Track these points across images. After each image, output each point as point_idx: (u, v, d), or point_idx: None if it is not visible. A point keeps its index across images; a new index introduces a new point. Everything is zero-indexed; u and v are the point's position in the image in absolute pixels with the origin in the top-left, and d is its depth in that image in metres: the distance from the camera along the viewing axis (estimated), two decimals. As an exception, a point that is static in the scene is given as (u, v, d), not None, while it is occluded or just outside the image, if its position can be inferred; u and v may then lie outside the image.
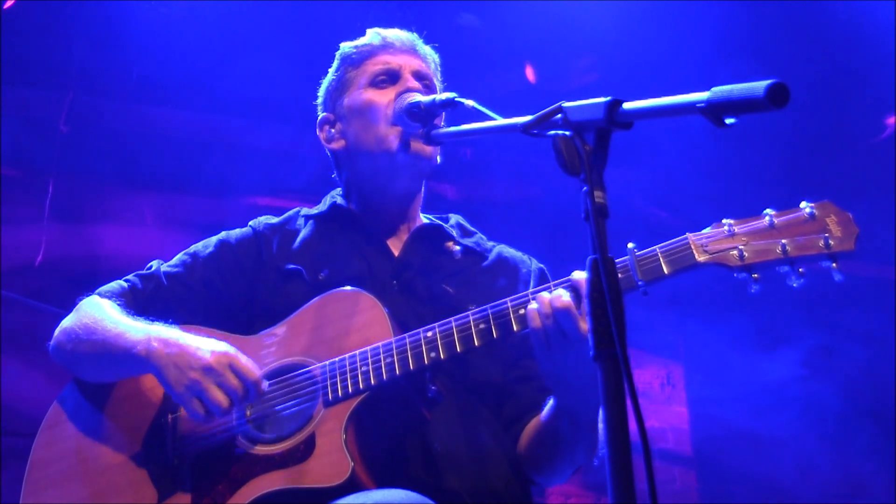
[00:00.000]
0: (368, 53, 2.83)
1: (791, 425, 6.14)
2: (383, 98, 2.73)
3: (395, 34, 2.87)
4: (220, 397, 2.37)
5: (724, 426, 6.27)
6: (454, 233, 2.86)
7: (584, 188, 1.65)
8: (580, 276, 2.26)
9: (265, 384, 2.45)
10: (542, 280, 2.78)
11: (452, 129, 2.63)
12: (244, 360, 2.41)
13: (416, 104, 2.60)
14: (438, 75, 2.89)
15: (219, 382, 2.37)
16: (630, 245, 2.25)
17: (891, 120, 6.01)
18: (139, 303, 2.69)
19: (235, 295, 2.73)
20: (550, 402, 2.49)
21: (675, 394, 6.60)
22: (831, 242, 2.13)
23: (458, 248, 2.81)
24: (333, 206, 2.88)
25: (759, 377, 6.12)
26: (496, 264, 2.81)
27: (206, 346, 2.43)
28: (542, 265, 2.85)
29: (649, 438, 1.52)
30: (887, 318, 5.88)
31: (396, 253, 2.76)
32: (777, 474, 6.22)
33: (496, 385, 2.63)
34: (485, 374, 2.60)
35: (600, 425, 2.40)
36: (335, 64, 2.91)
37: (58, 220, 5.50)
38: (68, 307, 2.73)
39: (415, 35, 2.90)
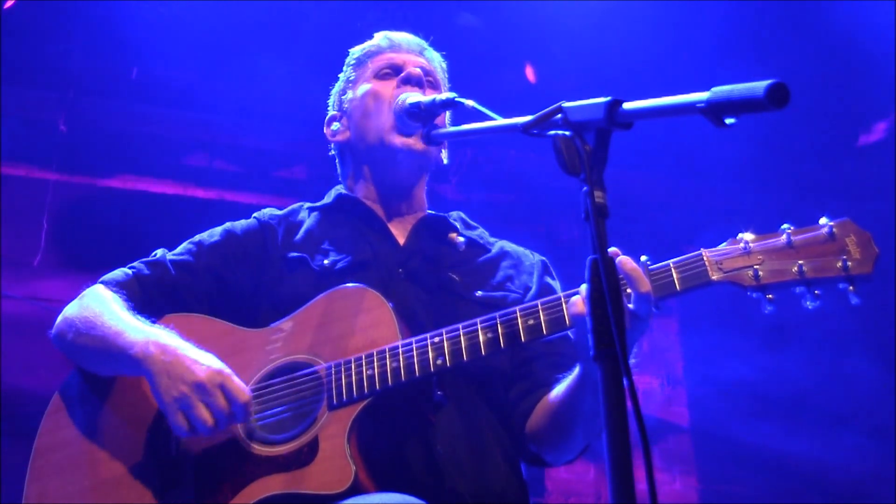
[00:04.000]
0: (374, 53, 2.90)
1: (792, 425, 6.14)
2: (385, 88, 2.78)
3: (403, 36, 2.93)
4: (205, 416, 2.34)
5: (724, 426, 6.27)
6: (458, 225, 2.87)
7: (584, 188, 1.65)
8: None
9: (253, 410, 2.42)
10: (546, 271, 2.80)
11: (452, 129, 2.64)
12: (236, 382, 2.37)
13: (417, 104, 2.62)
14: (446, 81, 2.92)
15: (207, 401, 2.34)
16: (643, 258, 2.22)
17: (880, 126, 6.01)
18: (144, 290, 2.68)
19: (240, 283, 2.73)
20: (569, 378, 2.44)
21: (675, 394, 6.60)
22: (850, 264, 2.08)
23: (461, 239, 2.82)
24: (339, 195, 2.90)
25: (759, 376, 6.11)
26: (499, 255, 2.82)
27: (202, 360, 2.40)
28: (543, 258, 2.87)
29: (649, 438, 1.51)
30: (888, 319, 5.86)
31: (401, 242, 2.77)
32: (777, 474, 6.21)
33: (502, 375, 2.62)
34: (491, 363, 2.58)
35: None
36: (344, 68, 2.97)
37: (58, 218, 5.50)
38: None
39: (422, 39, 2.94)
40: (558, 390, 2.49)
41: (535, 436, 2.57)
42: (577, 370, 2.40)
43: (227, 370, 2.39)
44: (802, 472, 6.15)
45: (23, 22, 5.06)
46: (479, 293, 2.61)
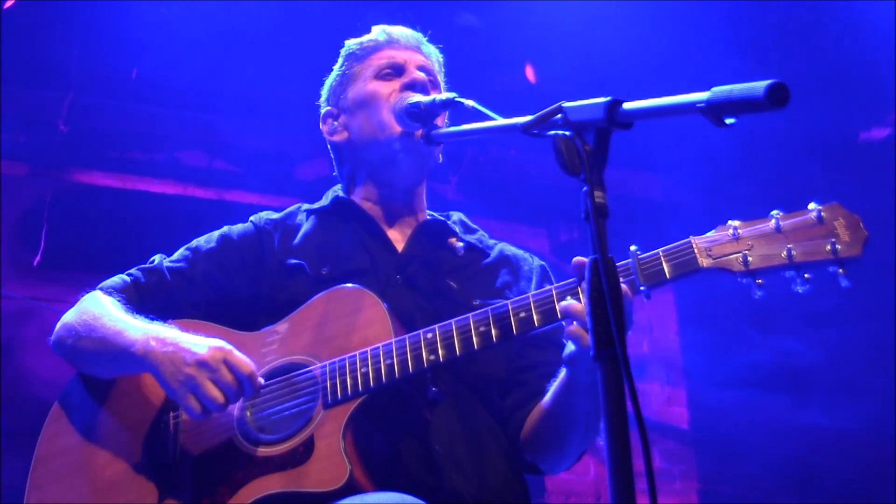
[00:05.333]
0: (373, 49, 2.86)
1: (792, 424, 6.13)
2: (387, 89, 2.76)
3: (401, 31, 2.90)
4: (214, 393, 2.35)
5: (724, 426, 6.27)
6: (457, 229, 2.87)
7: (584, 188, 1.65)
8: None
9: (261, 379, 2.44)
10: (545, 276, 2.79)
11: (452, 129, 2.63)
12: (238, 355, 2.40)
13: (416, 104, 2.62)
14: (443, 75, 2.90)
15: (213, 378, 2.36)
16: (632, 248, 2.22)
17: (880, 126, 6.01)
18: (142, 297, 2.69)
19: (237, 290, 2.73)
20: (556, 383, 2.44)
21: (675, 394, 6.60)
22: (839, 247, 2.06)
23: (461, 244, 2.81)
24: (336, 199, 2.88)
25: (759, 375, 6.11)
26: (498, 261, 2.81)
27: (201, 342, 2.43)
28: (543, 262, 2.86)
29: (649, 438, 1.51)
30: (888, 306, 5.85)
31: (399, 248, 2.77)
32: (778, 474, 6.21)
33: (498, 379, 2.62)
34: (487, 369, 2.59)
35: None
36: (339, 60, 2.94)
37: (58, 218, 5.50)
38: (68, 306, 2.73)
39: (419, 33, 2.92)
40: (549, 396, 2.50)
41: (531, 444, 2.57)
42: (562, 373, 2.41)
43: (228, 346, 2.41)
44: (804, 471, 6.15)
45: (23, 22, 5.06)
46: (476, 301, 2.60)
